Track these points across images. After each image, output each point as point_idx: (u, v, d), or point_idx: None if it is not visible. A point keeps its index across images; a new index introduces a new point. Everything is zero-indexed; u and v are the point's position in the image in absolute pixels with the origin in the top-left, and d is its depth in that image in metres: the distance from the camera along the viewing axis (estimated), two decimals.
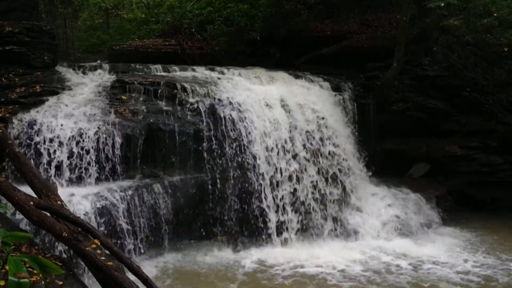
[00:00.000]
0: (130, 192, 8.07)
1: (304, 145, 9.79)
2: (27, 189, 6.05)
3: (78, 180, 8.20)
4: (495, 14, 10.57)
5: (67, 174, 8.16)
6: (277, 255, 8.63)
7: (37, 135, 8.21)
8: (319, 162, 9.86)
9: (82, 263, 5.88)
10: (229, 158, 9.13)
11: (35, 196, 5.88)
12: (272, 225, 9.12)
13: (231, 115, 9.37)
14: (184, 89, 9.54)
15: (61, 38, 16.52)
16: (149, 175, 8.76)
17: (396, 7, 12.89)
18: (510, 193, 11.18)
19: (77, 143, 8.27)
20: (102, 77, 10.18)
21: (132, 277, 5.10)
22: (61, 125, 8.38)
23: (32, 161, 7.77)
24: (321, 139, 10.06)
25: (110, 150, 8.38)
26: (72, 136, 8.30)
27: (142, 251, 8.03)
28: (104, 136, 8.38)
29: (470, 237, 9.88)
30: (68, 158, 8.21)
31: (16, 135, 8.10)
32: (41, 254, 5.68)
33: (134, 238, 7.89)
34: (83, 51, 17.63)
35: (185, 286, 7.45)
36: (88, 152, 8.28)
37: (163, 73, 10.78)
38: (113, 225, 7.65)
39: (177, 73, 10.88)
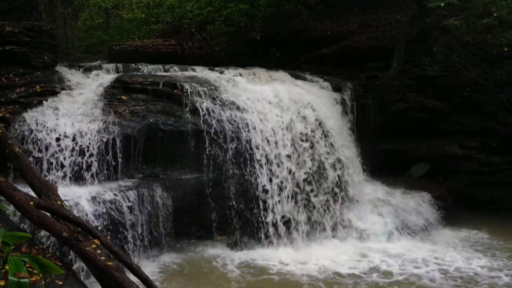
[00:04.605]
0: (130, 192, 8.06)
1: (303, 145, 9.78)
2: (27, 189, 6.05)
3: (78, 180, 8.20)
4: (495, 14, 10.57)
5: (67, 174, 8.16)
6: (277, 255, 8.62)
7: (37, 135, 8.21)
8: (319, 163, 9.85)
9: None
10: (229, 158, 9.13)
11: (35, 196, 5.88)
12: (272, 225, 9.12)
13: (230, 115, 9.37)
14: (184, 89, 9.54)
15: (61, 38, 16.53)
16: (149, 175, 8.76)
17: (396, 7, 12.89)
18: (510, 193, 11.18)
19: (77, 143, 8.27)
20: (102, 77, 10.17)
21: (132, 277, 5.10)
22: (61, 125, 8.38)
23: (32, 161, 7.76)
24: (320, 139, 10.05)
25: (110, 150, 8.38)
26: (72, 136, 8.30)
27: (142, 251, 8.02)
28: (104, 136, 8.38)
29: (470, 237, 9.87)
30: (68, 158, 8.20)
31: (16, 135, 8.10)
32: (41, 254, 5.68)
33: (134, 238, 7.89)
34: (83, 51, 17.64)
35: (185, 286, 7.44)
36: (88, 152, 8.27)
37: (163, 73, 10.78)
38: (113, 225, 7.65)
39: (177, 73, 10.88)
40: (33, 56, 9.43)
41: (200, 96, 9.55)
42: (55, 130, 8.30)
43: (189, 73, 10.94)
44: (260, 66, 11.89)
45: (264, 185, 9.17)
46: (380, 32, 12.73)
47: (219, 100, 9.59)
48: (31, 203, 5.49)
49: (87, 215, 7.32)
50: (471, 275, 7.97)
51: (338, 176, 10.03)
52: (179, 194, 8.66)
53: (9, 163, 7.48)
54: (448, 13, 11.36)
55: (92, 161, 8.28)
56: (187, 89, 9.54)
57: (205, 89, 9.69)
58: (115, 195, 7.88)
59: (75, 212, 6.84)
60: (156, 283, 5.11)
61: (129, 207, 7.89)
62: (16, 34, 9.22)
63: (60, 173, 8.14)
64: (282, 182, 9.35)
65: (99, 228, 7.30)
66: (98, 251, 5.18)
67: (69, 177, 8.16)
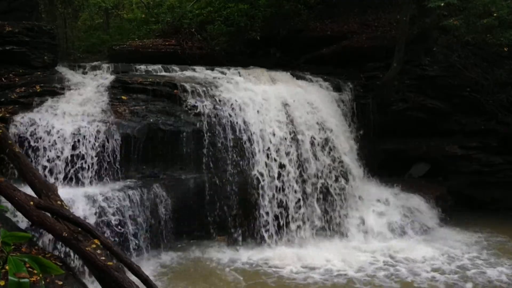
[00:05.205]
0: (130, 192, 8.06)
1: (303, 145, 9.78)
2: (27, 189, 6.05)
3: (78, 181, 8.19)
4: (495, 14, 10.57)
5: (66, 174, 8.16)
6: (277, 255, 8.60)
7: (37, 135, 8.21)
8: (319, 163, 9.85)
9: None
10: (229, 158, 9.13)
11: (35, 196, 5.88)
12: (272, 225, 9.12)
13: (230, 115, 9.37)
14: (184, 89, 9.54)
15: (61, 38, 16.52)
16: (149, 175, 8.76)
17: (396, 7, 12.89)
18: (510, 193, 11.18)
19: (77, 143, 8.27)
20: (102, 77, 10.18)
21: (132, 277, 5.10)
22: (61, 125, 8.38)
23: (31, 161, 7.76)
24: (320, 139, 10.05)
25: (110, 150, 8.38)
26: (72, 136, 8.30)
27: (142, 251, 8.02)
28: (104, 136, 8.38)
29: (470, 238, 9.84)
30: (68, 158, 8.20)
31: (16, 135, 8.10)
32: (41, 254, 5.68)
33: (134, 238, 7.89)
34: (83, 51, 17.64)
35: (184, 286, 7.44)
36: (88, 152, 8.27)
37: (163, 73, 10.78)
38: (113, 225, 7.64)
39: (177, 73, 10.88)
40: (33, 56, 9.44)
41: (200, 96, 9.55)
42: (54, 130, 8.30)
43: (189, 73, 10.94)
44: (260, 66, 11.89)
45: (265, 185, 9.17)
46: (380, 32, 12.73)
47: (219, 100, 9.59)
48: (31, 203, 5.49)
49: (86, 215, 7.31)
50: (470, 275, 7.89)
51: (339, 176, 10.03)
52: (179, 194, 8.66)
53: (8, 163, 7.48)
54: (448, 13, 11.36)
55: (92, 161, 8.27)
56: (187, 89, 9.54)
57: (205, 89, 9.69)
58: (115, 195, 7.87)
59: (74, 213, 6.84)
60: (156, 283, 5.11)
61: (129, 207, 7.88)
62: (16, 34, 9.22)
63: (60, 173, 8.13)
64: (282, 182, 9.35)
65: (99, 228, 7.30)
66: (98, 251, 5.17)
67: (69, 177, 8.16)
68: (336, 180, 9.98)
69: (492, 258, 8.67)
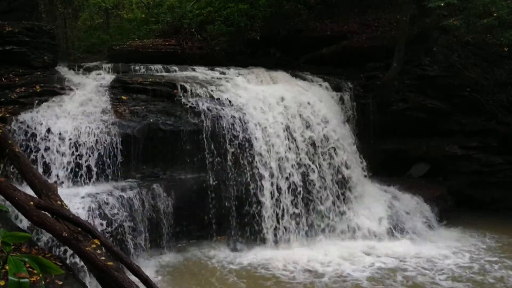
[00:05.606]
0: (130, 192, 8.06)
1: (304, 145, 9.78)
2: (27, 189, 6.05)
3: (78, 181, 8.19)
4: (495, 14, 10.57)
5: (66, 174, 8.15)
6: (276, 255, 8.60)
7: (37, 135, 8.21)
8: (319, 162, 9.85)
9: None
10: (229, 157, 9.12)
11: (35, 196, 5.88)
12: (271, 225, 9.12)
13: (230, 115, 9.37)
14: (184, 89, 9.54)
15: (61, 38, 16.53)
16: (149, 175, 8.76)
17: (396, 7, 12.89)
18: (510, 193, 11.18)
19: (77, 143, 8.27)
20: (102, 77, 10.18)
21: (132, 277, 5.10)
22: (61, 125, 8.37)
23: (31, 161, 7.75)
24: (320, 138, 10.05)
25: (110, 150, 8.37)
26: (72, 136, 8.29)
27: (142, 251, 8.02)
28: (104, 136, 8.38)
29: (470, 238, 9.85)
30: (68, 158, 8.19)
31: (16, 135, 8.09)
32: (41, 254, 5.68)
33: (134, 238, 7.89)
34: (83, 51, 17.64)
35: (185, 286, 7.44)
36: (87, 152, 8.27)
37: (163, 73, 10.78)
38: (113, 225, 7.64)
39: (177, 73, 10.88)
40: (33, 56, 9.43)
41: (200, 96, 9.55)
42: (54, 130, 8.30)
43: (189, 73, 10.94)
44: (260, 66, 11.89)
45: (265, 185, 9.16)
46: (380, 32, 12.73)
47: (219, 100, 9.59)
48: (31, 203, 5.49)
49: (86, 215, 7.31)
50: (470, 275, 7.85)
51: (338, 175, 10.03)
52: (179, 194, 8.66)
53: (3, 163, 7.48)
54: (448, 13, 11.36)
55: (91, 161, 8.27)
56: (187, 89, 9.53)
57: (205, 89, 9.69)
58: (115, 195, 7.87)
59: (74, 213, 6.83)
60: (155, 283, 5.11)
61: (129, 207, 7.88)
62: (16, 34, 9.22)
63: (60, 174, 8.13)
64: (283, 182, 9.34)
65: (99, 228, 7.29)
66: (98, 251, 5.18)
67: (69, 178, 8.15)
68: (335, 179, 9.95)
69: (508, 261, 8.50)
